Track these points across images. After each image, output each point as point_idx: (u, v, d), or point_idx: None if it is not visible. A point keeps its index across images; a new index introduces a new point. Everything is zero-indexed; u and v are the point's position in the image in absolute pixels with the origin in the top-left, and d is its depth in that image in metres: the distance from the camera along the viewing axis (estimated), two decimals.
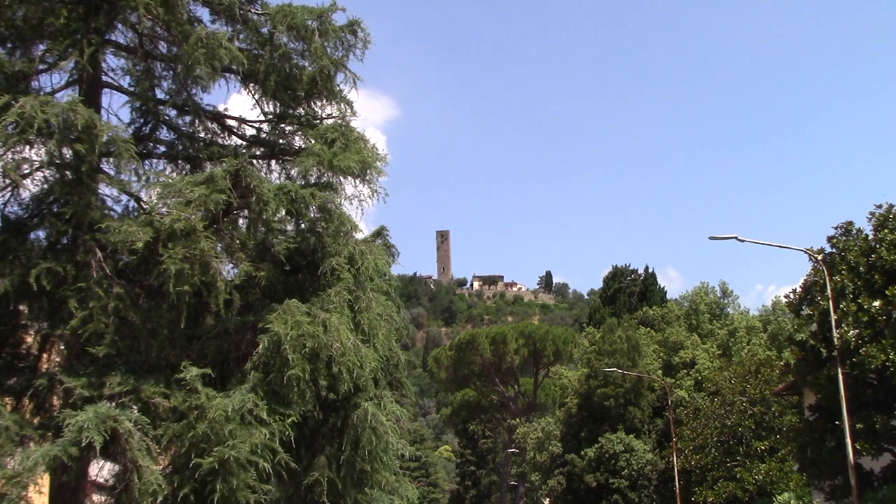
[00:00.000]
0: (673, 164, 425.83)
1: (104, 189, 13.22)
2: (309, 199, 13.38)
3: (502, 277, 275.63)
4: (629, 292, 74.75)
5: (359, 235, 14.15)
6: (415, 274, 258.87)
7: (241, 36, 14.14)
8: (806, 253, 24.67)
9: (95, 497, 13.63)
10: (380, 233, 16.23)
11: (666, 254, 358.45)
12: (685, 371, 51.97)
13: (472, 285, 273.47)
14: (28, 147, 12.11)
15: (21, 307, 13.09)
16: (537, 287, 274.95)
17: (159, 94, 14.59)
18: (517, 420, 67.27)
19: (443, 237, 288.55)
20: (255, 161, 14.58)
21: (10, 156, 12.10)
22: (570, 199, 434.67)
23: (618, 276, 76.48)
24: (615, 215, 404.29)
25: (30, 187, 12.94)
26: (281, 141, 14.93)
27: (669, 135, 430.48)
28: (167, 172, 14.59)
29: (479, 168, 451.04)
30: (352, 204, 14.04)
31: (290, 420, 12.39)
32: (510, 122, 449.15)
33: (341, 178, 13.84)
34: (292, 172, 14.33)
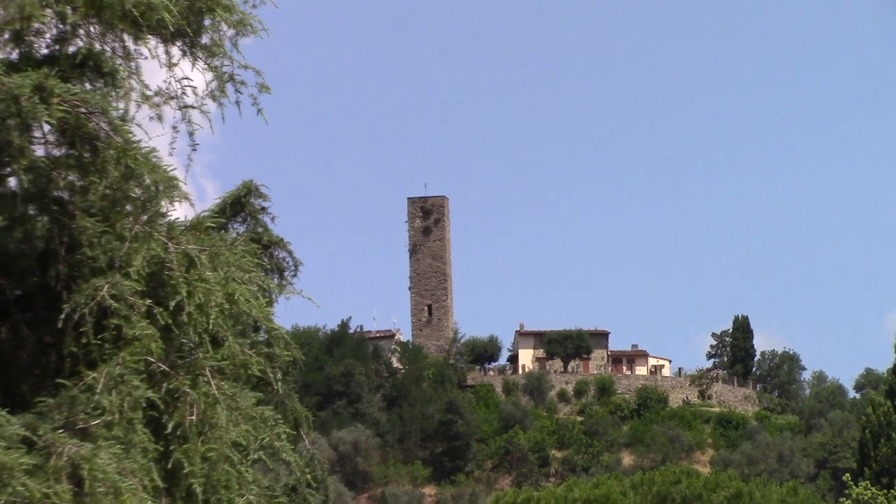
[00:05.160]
0: None
1: None
2: (34, 108, 10.96)
3: (605, 336, 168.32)
4: None
5: (177, 213, 11.99)
6: (345, 325, 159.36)
7: None
8: None
9: None
10: (242, 202, 14.17)
11: None
12: None
13: (513, 358, 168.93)
14: None
15: None
16: (711, 366, 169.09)
17: None
18: None
19: (425, 216, 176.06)
20: None
21: None
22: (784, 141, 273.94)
23: None
24: None
25: None
26: None
27: None
28: None
29: (517, 37, 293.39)
30: (158, 119, 11.78)
31: None
32: None
33: (128, 42, 11.51)
34: None
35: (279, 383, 13.06)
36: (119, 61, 11.44)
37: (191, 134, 11.63)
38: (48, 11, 10.95)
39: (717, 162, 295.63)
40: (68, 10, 10.97)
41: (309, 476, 13.35)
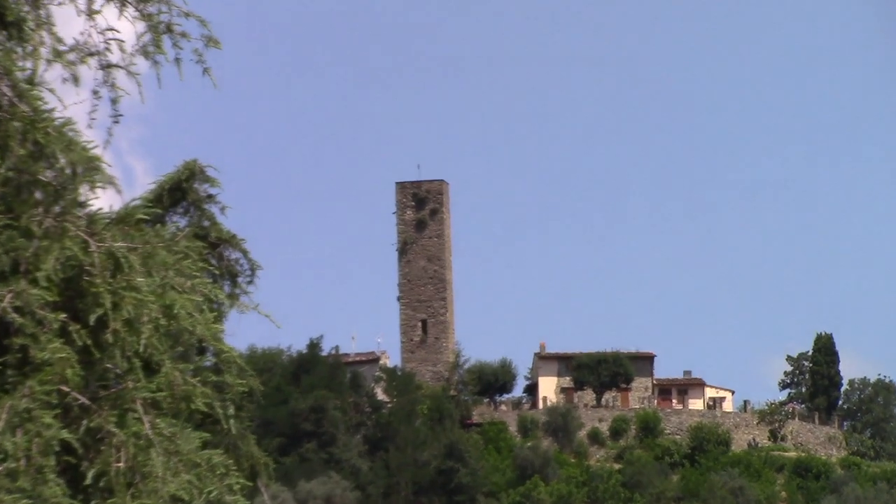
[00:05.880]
0: None
1: None
2: None
3: (649, 360, 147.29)
4: None
5: (99, 201, 11.23)
6: (316, 346, 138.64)
7: None
8: None
9: None
10: (183, 188, 13.52)
11: None
12: None
13: (532, 388, 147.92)
14: None
15: None
16: (785, 398, 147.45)
17: None
18: None
19: (419, 206, 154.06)
20: None
21: None
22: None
23: None
24: None
25: None
26: None
27: None
28: None
29: None
30: (74, 82, 10.98)
31: None
32: None
33: None
34: None
35: (231, 421, 11.93)
36: (26, 8, 10.40)
37: (114, 101, 10.47)
38: None
39: (795, 145, 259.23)
40: None
41: None
